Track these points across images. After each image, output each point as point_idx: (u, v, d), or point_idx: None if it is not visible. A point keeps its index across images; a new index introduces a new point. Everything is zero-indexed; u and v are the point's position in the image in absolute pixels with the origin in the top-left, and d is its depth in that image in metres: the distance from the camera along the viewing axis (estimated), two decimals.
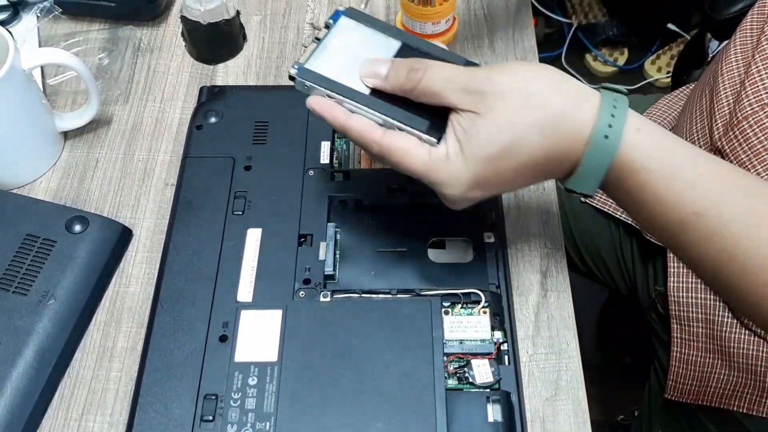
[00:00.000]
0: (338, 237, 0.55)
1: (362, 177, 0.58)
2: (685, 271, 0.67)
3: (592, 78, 1.66)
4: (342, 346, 0.49)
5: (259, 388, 0.47)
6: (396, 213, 0.56)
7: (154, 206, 0.60)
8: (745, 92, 0.57)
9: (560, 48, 1.66)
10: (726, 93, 0.61)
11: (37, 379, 0.50)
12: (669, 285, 0.67)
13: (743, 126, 0.56)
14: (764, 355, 0.63)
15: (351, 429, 0.46)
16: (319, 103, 0.45)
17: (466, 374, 0.48)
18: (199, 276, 0.52)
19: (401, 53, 0.47)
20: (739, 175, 0.42)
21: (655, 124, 0.42)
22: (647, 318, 0.78)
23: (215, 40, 0.68)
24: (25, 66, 0.57)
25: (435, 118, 0.43)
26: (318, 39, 0.47)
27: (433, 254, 0.54)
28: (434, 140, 0.43)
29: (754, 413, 0.66)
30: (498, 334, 0.50)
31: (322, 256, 0.53)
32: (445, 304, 0.51)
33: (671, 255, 0.68)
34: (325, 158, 0.59)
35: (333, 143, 0.60)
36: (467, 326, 0.50)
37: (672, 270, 0.68)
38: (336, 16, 0.48)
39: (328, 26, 0.48)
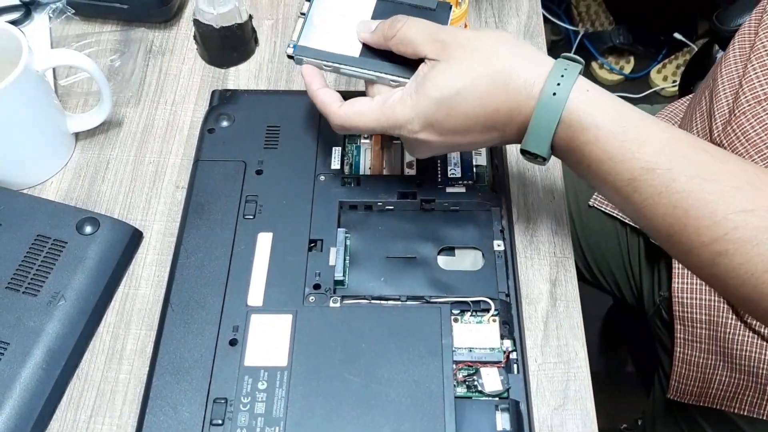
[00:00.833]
0: (348, 242, 0.55)
1: (372, 182, 0.58)
2: (689, 272, 0.67)
3: (598, 85, 1.66)
4: (351, 352, 0.49)
5: (268, 393, 0.47)
6: (406, 219, 0.57)
7: (164, 208, 0.61)
8: (742, 90, 0.59)
9: None
10: (726, 93, 0.62)
11: (47, 380, 0.51)
12: (673, 286, 0.67)
13: (741, 120, 0.58)
14: (766, 357, 0.63)
15: None
16: (306, 72, 0.52)
17: (475, 382, 0.48)
18: (209, 279, 0.52)
19: (378, 7, 0.53)
20: (689, 135, 0.43)
21: (600, 87, 0.45)
22: (652, 325, 0.78)
23: (227, 44, 0.68)
24: (38, 67, 0.57)
25: (411, 69, 0.48)
26: (303, 13, 0.53)
27: (443, 261, 0.54)
28: (407, 79, 0.48)
29: (755, 416, 0.66)
30: (507, 343, 0.50)
31: (332, 262, 0.53)
32: (455, 311, 0.51)
33: (675, 261, 0.69)
34: (336, 164, 0.59)
35: (344, 148, 0.60)
36: (476, 334, 0.50)
37: (677, 271, 0.68)
38: None
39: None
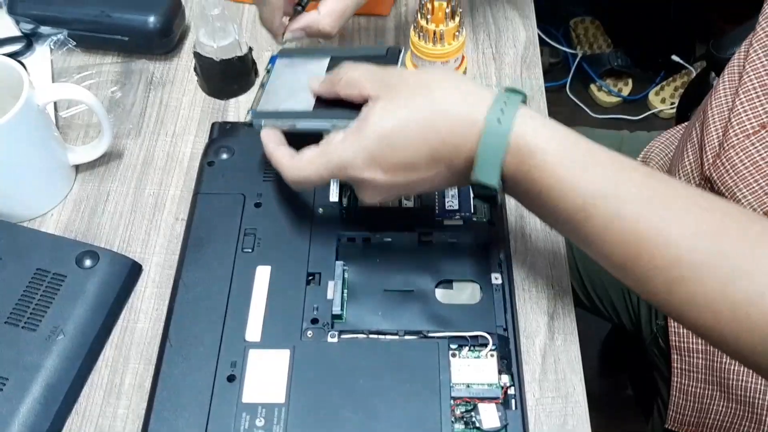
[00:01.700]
0: (346, 276, 0.55)
1: (370, 215, 0.58)
2: None
3: (596, 108, 1.67)
4: (349, 388, 0.49)
5: (266, 430, 0.47)
6: (404, 251, 0.57)
7: (164, 241, 0.61)
8: (731, 123, 0.60)
9: (565, 78, 1.68)
10: (716, 126, 0.63)
11: (45, 416, 0.51)
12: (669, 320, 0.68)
13: (730, 153, 0.59)
14: (762, 388, 0.63)
15: None
16: (264, 134, 0.53)
17: (473, 419, 0.48)
18: (207, 314, 0.53)
19: (331, 65, 0.55)
20: (635, 162, 0.43)
21: (543, 116, 0.45)
22: (649, 353, 0.78)
23: (227, 76, 0.69)
24: (39, 101, 0.58)
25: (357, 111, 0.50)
26: (263, 84, 0.57)
27: (441, 295, 0.55)
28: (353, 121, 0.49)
29: None
30: (505, 378, 0.50)
31: (330, 296, 0.53)
32: (453, 346, 0.51)
33: None
34: (334, 196, 0.59)
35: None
36: (474, 369, 0.50)
37: None
38: (272, 60, 0.59)
39: (268, 71, 0.58)
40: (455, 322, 0.53)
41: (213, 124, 0.65)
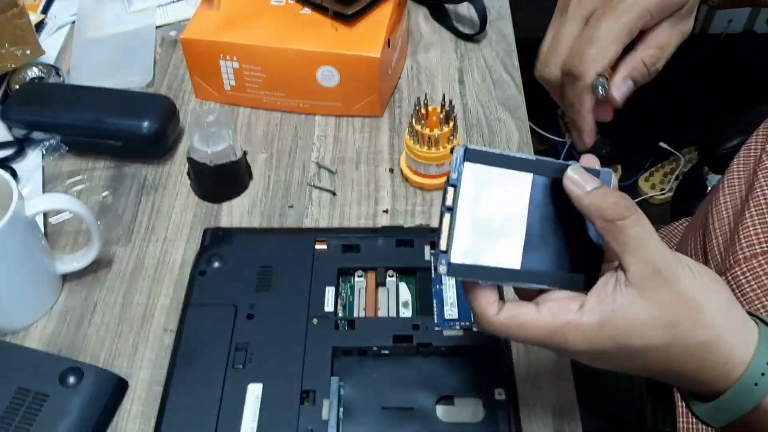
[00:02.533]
0: (342, 392, 0.53)
1: (367, 325, 0.57)
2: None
3: None
4: None
5: None
6: (402, 364, 0.55)
7: (151, 354, 0.59)
8: (738, 237, 0.56)
9: None
10: (717, 235, 0.61)
11: None
12: (678, 426, 0.65)
13: (736, 272, 0.55)
14: None
15: None
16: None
17: None
18: None
19: (535, 188, 0.41)
20: None
21: None
22: None
23: (221, 181, 0.68)
24: (27, 212, 0.57)
25: (582, 267, 0.41)
26: (449, 208, 0.41)
27: (442, 412, 0.52)
28: (582, 294, 0.40)
29: None
30: None
31: (325, 416, 0.51)
32: None
33: (678, 394, 0.66)
34: (329, 305, 0.57)
35: (338, 288, 0.59)
36: None
37: (681, 410, 0.65)
38: (458, 165, 0.41)
39: (453, 184, 0.41)
40: None
41: (205, 231, 0.64)
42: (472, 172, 0.41)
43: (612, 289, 0.38)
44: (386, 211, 0.69)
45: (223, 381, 0.53)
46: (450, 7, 0.89)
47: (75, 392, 0.54)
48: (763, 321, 0.41)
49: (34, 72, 0.79)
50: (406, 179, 0.71)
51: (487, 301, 0.40)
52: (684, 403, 0.41)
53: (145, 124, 0.70)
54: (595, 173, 0.40)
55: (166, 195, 0.70)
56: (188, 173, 0.69)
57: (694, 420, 0.63)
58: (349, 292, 0.60)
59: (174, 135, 0.73)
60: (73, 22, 0.88)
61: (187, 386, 0.53)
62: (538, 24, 0.58)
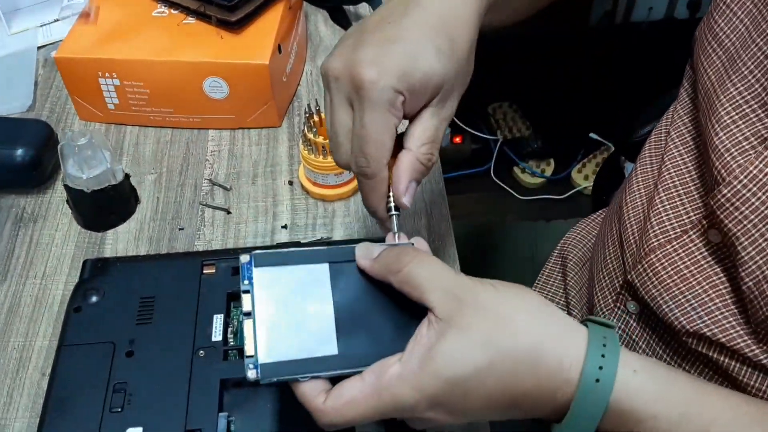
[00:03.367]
0: (232, 428, 0.49)
1: None
2: None
3: (522, 190, 1.67)
4: None
5: None
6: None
7: (27, 401, 0.54)
8: (650, 224, 0.55)
9: (488, 163, 1.68)
10: (631, 223, 0.59)
11: None
12: None
13: (651, 259, 0.53)
14: None
15: None
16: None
17: None
18: None
19: (334, 274, 0.42)
20: (748, 401, 0.39)
21: (651, 360, 0.39)
22: None
23: (102, 207, 0.63)
24: None
25: (403, 335, 0.39)
26: (246, 314, 0.40)
27: None
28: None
29: None
30: None
31: None
32: None
33: None
34: (217, 335, 0.53)
35: (228, 315, 0.55)
36: None
37: None
38: (245, 273, 0.41)
39: (246, 290, 0.41)
40: None
41: (84, 262, 0.59)
42: (263, 275, 0.41)
43: (426, 329, 0.38)
44: (285, 227, 0.65)
45: (99, 427, 0.48)
46: (349, 8, 0.85)
47: None
48: (592, 321, 0.40)
49: None
50: (306, 191, 0.68)
51: (312, 394, 0.39)
52: None
53: (19, 152, 0.65)
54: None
55: (46, 226, 0.65)
56: (67, 201, 0.65)
57: None
58: (241, 318, 0.56)
59: (52, 162, 0.68)
60: None
61: None
62: None
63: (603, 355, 0.38)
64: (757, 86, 0.46)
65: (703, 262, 0.50)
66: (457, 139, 1.67)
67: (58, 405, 0.50)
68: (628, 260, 0.58)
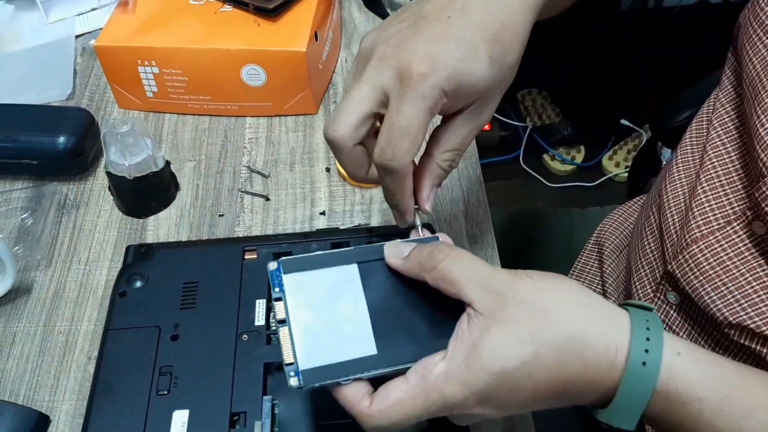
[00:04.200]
0: (276, 411, 0.50)
1: None
2: None
3: (552, 177, 1.66)
4: None
5: None
6: None
7: (74, 385, 0.55)
8: (693, 214, 0.54)
9: (517, 150, 1.67)
10: (672, 212, 0.58)
11: None
12: None
13: (693, 250, 0.53)
14: None
15: None
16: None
17: None
18: None
19: (364, 274, 0.42)
20: None
21: (692, 344, 0.39)
22: None
23: (143, 194, 0.64)
24: None
25: (441, 331, 0.40)
26: (281, 321, 0.40)
27: None
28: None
29: None
30: None
31: None
32: None
33: None
34: (260, 319, 0.54)
35: (270, 300, 0.55)
36: None
37: None
38: (275, 280, 0.41)
39: (279, 298, 0.41)
40: None
41: (127, 248, 0.60)
42: (293, 281, 0.41)
43: (467, 325, 0.38)
44: (323, 213, 0.66)
45: (147, 410, 0.49)
46: None
47: None
48: (632, 305, 0.40)
49: None
50: (344, 178, 0.68)
51: (355, 397, 0.39)
52: (598, 420, 0.39)
53: (61, 139, 0.66)
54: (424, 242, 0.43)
55: (89, 213, 0.66)
56: (109, 188, 0.66)
57: None
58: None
59: (94, 149, 0.69)
60: None
61: (107, 419, 0.49)
62: None
63: (648, 338, 0.37)
64: None
65: (746, 254, 0.49)
66: (486, 126, 1.66)
67: (106, 388, 0.51)
68: (669, 250, 0.57)
